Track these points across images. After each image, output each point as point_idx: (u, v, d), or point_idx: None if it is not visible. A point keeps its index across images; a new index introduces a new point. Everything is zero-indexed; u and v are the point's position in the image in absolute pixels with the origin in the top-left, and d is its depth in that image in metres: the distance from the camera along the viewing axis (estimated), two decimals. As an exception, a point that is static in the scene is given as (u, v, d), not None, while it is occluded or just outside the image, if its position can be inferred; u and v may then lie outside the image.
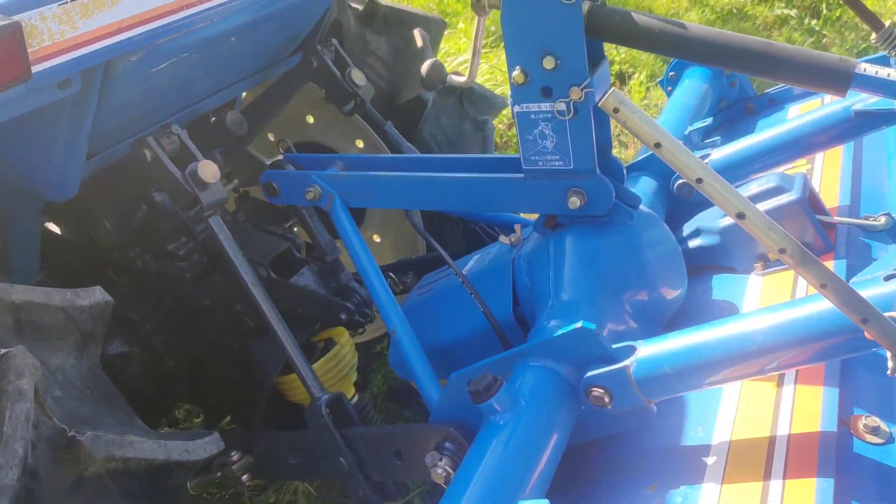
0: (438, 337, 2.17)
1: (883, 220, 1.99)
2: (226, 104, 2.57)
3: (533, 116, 1.90)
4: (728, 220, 2.15)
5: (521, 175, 2.00)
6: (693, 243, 2.26)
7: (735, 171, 2.28)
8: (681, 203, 2.38)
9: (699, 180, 1.23)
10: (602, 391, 1.63)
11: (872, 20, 2.27)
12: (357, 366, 2.75)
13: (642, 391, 1.58)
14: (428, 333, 2.16)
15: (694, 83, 3.13)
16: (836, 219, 2.07)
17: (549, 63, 1.80)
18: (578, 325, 1.64)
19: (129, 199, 2.30)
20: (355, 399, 2.68)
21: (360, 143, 3.25)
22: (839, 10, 7.91)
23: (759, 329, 1.47)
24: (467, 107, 3.13)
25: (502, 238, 2.21)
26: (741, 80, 3.19)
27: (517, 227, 2.20)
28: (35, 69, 1.55)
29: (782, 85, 3.19)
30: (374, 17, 3.03)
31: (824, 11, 7.87)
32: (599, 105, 1.15)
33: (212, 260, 2.58)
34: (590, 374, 1.64)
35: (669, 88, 3.26)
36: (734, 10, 7.75)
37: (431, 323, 2.20)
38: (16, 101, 1.58)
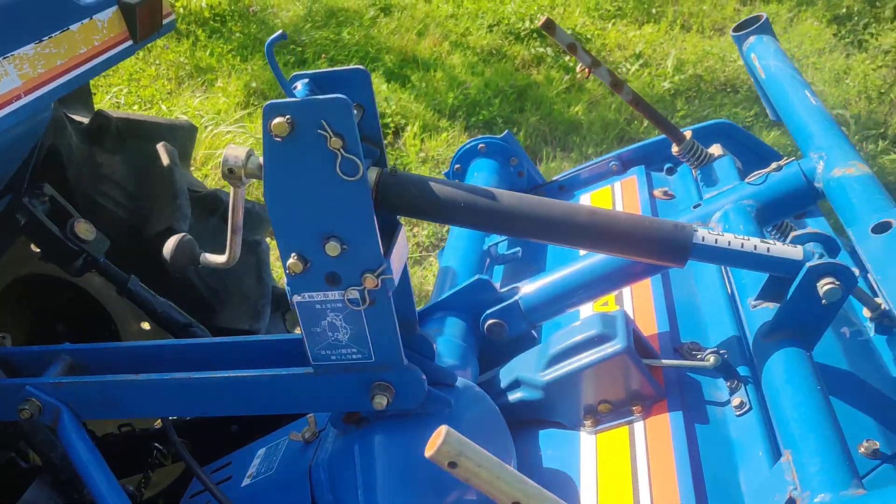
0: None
1: (712, 358, 1.83)
2: None
3: (318, 307, 1.51)
4: (551, 374, 1.90)
5: (311, 369, 1.60)
6: (514, 396, 1.98)
7: (549, 307, 2.04)
8: (492, 343, 2.10)
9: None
10: None
11: (674, 133, 2.15)
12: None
13: None
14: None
15: (483, 176, 2.89)
16: (666, 362, 1.89)
17: (333, 250, 1.42)
18: None
19: None
20: None
21: (104, 273, 2.67)
22: (587, 46, 8.31)
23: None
24: None
25: (293, 434, 1.79)
26: (528, 169, 3.02)
27: (310, 418, 1.79)
28: None
29: (570, 171, 3.06)
30: (104, 132, 2.47)
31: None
32: (428, 457, 0.80)
33: None
34: None
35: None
36: (494, 51, 7.84)
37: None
38: None
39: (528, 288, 2.07)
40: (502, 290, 2.11)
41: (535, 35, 8.20)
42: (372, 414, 1.66)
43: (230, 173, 1.43)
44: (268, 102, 1.31)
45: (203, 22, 7.57)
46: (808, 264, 1.42)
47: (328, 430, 1.75)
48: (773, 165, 1.84)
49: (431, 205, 1.44)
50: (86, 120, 2.46)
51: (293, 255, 1.44)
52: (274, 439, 1.92)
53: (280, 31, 1.42)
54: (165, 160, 2.47)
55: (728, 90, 7.80)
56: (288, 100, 1.31)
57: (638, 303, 2.19)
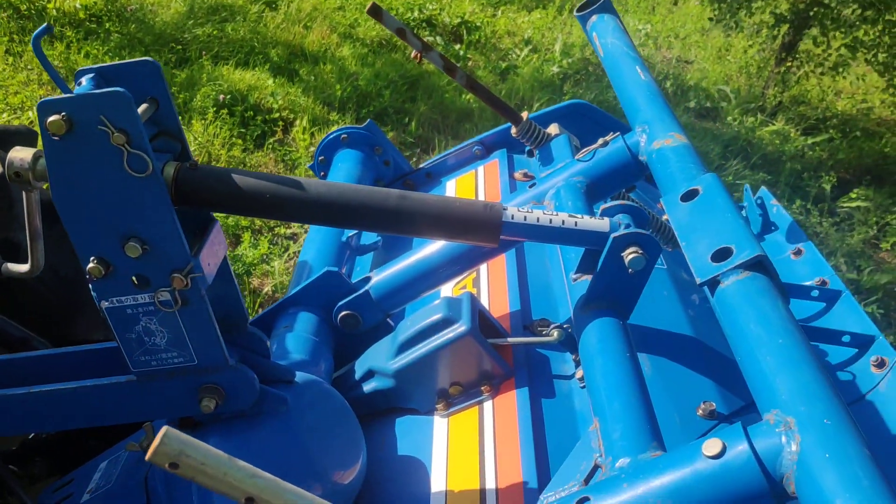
0: None
1: (556, 333, 1.84)
2: None
3: (130, 311, 1.44)
4: (401, 361, 1.88)
5: (133, 377, 1.53)
6: (369, 387, 1.96)
7: (400, 294, 2.02)
8: (348, 336, 2.07)
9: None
10: None
11: (511, 114, 2.16)
12: None
13: None
14: None
15: (347, 167, 2.86)
16: (511, 339, 1.90)
17: (133, 251, 1.35)
18: None
19: None
20: None
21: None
22: (477, 33, 8.35)
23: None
24: None
25: (130, 445, 1.71)
26: (394, 157, 2.99)
27: (147, 427, 1.71)
28: None
29: (436, 157, 3.05)
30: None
31: (465, 36, 8.25)
32: (148, 460, 0.76)
33: None
34: None
35: (323, 173, 2.96)
36: (384, 42, 7.79)
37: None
38: None
39: (379, 277, 2.04)
40: (353, 282, 2.08)
41: (424, 24, 8.19)
42: (206, 417, 1.60)
43: (17, 177, 1.35)
44: (41, 100, 1.24)
45: (78, 23, 7.24)
46: (612, 235, 1.44)
47: (164, 438, 1.68)
48: (600, 141, 1.87)
49: (235, 198, 1.39)
50: None
51: (92, 259, 1.37)
52: (115, 452, 1.84)
53: (46, 24, 1.35)
54: (-1, 168, 2.33)
55: (615, 71, 7.97)
56: (62, 96, 1.24)
57: (493, 283, 2.20)
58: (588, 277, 1.59)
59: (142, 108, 1.36)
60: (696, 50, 9.13)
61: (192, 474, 0.76)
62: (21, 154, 1.34)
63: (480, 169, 2.86)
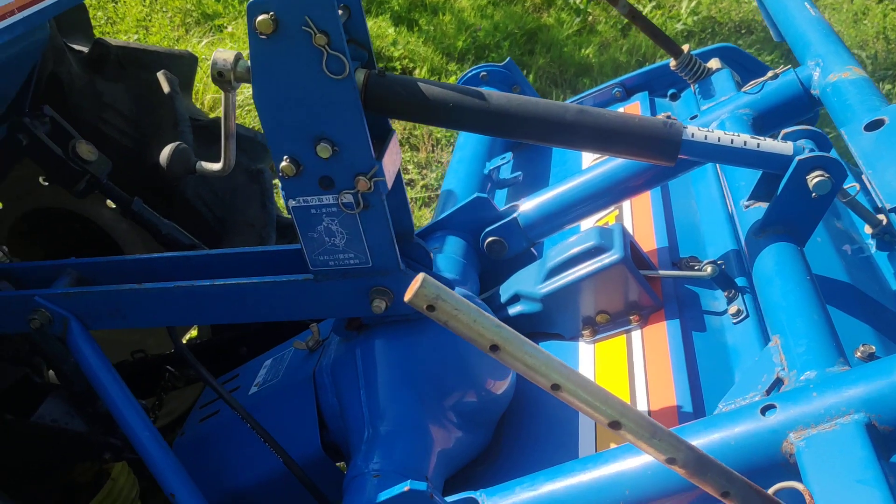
0: (235, 480, 1.75)
1: (709, 269, 1.83)
2: None
3: (314, 211, 1.52)
4: (549, 286, 1.91)
5: (311, 276, 1.62)
6: (514, 310, 2.00)
7: (548, 223, 2.05)
8: (493, 262, 2.12)
9: (556, 387, 0.93)
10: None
11: (671, 46, 2.12)
12: (140, 493, 2.26)
13: None
14: (218, 477, 1.74)
15: (485, 105, 2.87)
16: (663, 272, 1.90)
17: (324, 151, 1.42)
18: (406, 487, 1.32)
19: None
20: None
21: (111, 205, 2.70)
22: (600, -12, 8.15)
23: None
24: (238, 155, 2.66)
25: (297, 343, 1.83)
26: (531, 96, 2.99)
27: (313, 327, 1.82)
28: None
29: (576, 98, 3.03)
30: (103, 61, 2.47)
31: (587, -11, 8.06)
32: (406, 301, 0.82)
33: None
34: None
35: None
36: (503, -6, 7.72)
37: (224, 461, 1.78)
38: None
39: (527, 205, 2.07)
40: (501, 209, 2.11)
41: (545, -23, 8.05)
42: (372, 320, 1.68)
43: (219, 76, 1.43)
44: (251, 0, 1.31)
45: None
46: (797, 158, 1.41)
47: (331, 338, 1.78)
48: (770, 74, 1.82)
49: (421, 106, 1.44)
50: (85, 49, 2.46)
51: (285, 157, 1.45)
52: (278, 351, 1.95)
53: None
54: (166, 88, 2.48)
55: (742, 31, 7.65)
56: (271, -3, 1.31)
57: (638, 220, 2.19)
58: (761, 204, 1.57)
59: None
60: (829, 13, 8.64)
61: (445, 318, 0.82)
62: (224, 55, 1.43)
63: (620, 111, 2.82)
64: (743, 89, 1.89)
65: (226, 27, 6.55)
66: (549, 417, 1.78)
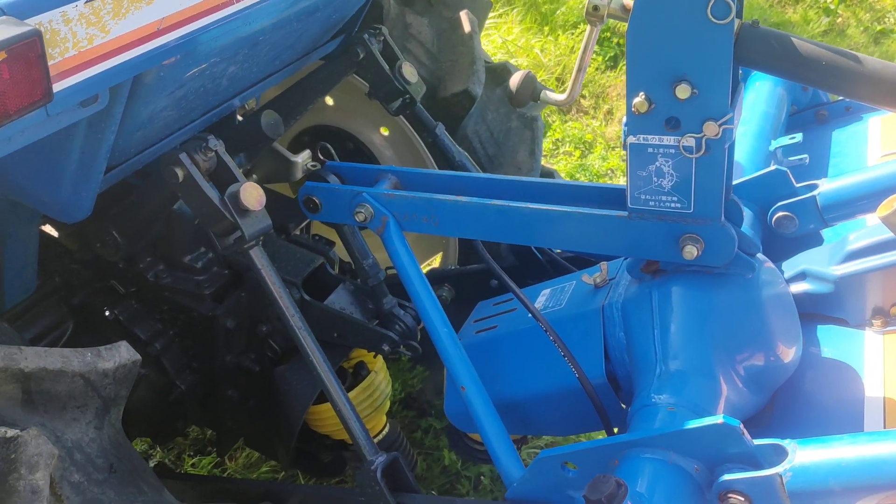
0: (509, 390, 1.88)
1: None
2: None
3: (651, 150, 1.59)
4: (848, 268, 1.88)
5: (625, 213, 1.69)
6: (798, 288, 1.98)
7: (850, 207, 1.99)
8: (778, 237, 2.10)
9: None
10: (742, 499, 1.36)
11: None
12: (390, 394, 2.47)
13: (794, 504, 1.32)
14: (496, 383, 1.87)
15: (767, 86, 2.82)
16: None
17: (683, 92, 1.48)
18: (719, 420, 1.37)
19: (147, 212, 1.94)
20: (386, 430, 2.40)
21: (384, 132, 2.91)
22: (854, -12, 7.63)
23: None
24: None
25: (584, 277, 1.91)
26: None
27: (603, 265, 1.89)
28: (57, 88, 1.18)
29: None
30: (415, -5, 2.66)
31: (840, -10, 7.57)
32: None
33: (234, 274, 2.24)
34: (728, 477, 1.37)
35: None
36: (751, -16, 7.39)
37: (501, 371, 1.91)
38: (30, 129, 1.22)
39: (830, 185, 2.03)
40: (798, 185, 2.08)
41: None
42: (671, 266, 1.74)
43: (594, 10, 1.52)
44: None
45: None
46: None
47: (620, 278, 1.85)
48: None
49: (791, 61, 1.45)
50: (399, -20, 2.66)
51: (641, 94, 1.52)
52: (557, 283, 2.05)
53: None
54: (467, 27, 2.62)
55: None
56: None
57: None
58: None
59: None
60: None
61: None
62: (603, -9, 1.51)
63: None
64: None
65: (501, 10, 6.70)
66: (832, 393, 1.76)
